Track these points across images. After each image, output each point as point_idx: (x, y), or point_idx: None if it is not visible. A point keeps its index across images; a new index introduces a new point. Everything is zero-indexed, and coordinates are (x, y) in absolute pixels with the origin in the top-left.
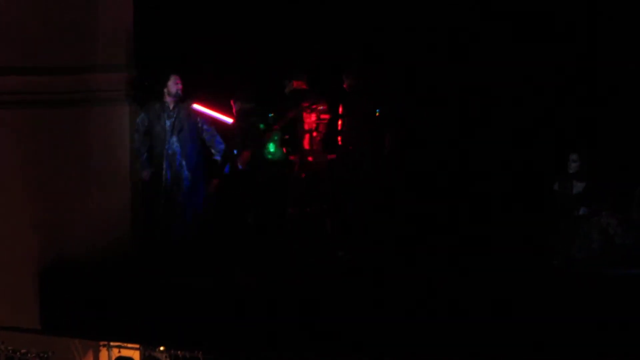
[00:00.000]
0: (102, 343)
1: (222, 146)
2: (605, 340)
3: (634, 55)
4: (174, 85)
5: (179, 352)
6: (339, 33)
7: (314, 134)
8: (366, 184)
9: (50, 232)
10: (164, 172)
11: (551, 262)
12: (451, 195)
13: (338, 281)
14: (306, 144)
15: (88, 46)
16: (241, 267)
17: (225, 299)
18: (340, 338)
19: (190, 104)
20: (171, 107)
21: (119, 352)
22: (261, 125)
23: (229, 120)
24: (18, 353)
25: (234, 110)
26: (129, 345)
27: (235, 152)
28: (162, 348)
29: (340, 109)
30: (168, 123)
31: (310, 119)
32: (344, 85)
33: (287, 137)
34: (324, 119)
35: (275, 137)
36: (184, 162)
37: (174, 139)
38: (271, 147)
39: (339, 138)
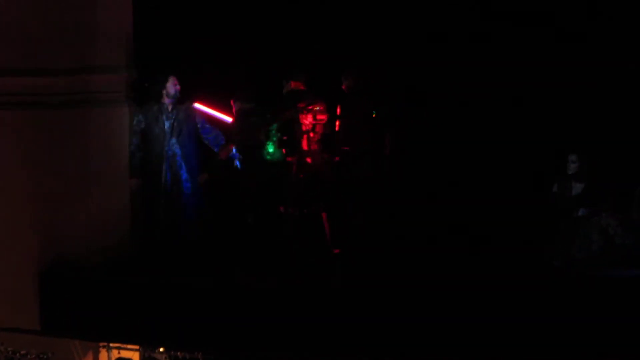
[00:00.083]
0: (101, 344)
1: (224, 143)
2: (606, 340)
3: (633, 55)
4: (172, 86)
5: (178, 353)
6: (339, 33)
7: (311, 134)
8: (366, 184)
9: (49, 233)
10: (163, 173)
11: (551, 262)
12: (450, 196)
13: (338, 281)
14: (304, 145)
15: (88, 47)
16: (241, 267)
17: (225, 300)
18: (340, 338)
19: (189, 105)
20: (170, 108)
21: (119, 353)
22: (262, 127)
23: (229, 119)
24: (18, 354)
25: (233, 110)
26: (129, 346)
27: (234, 151)
28: (161, 349)
29: (339, 110)
30: (167, 125)
31: (306, 120)
32: (343, 87)
33: (285, 138)
34: (320, 120)
35: (274, 138)
36: (183, 164)
37: (174, 140)
38: (270, 148)
39: (338, 139)
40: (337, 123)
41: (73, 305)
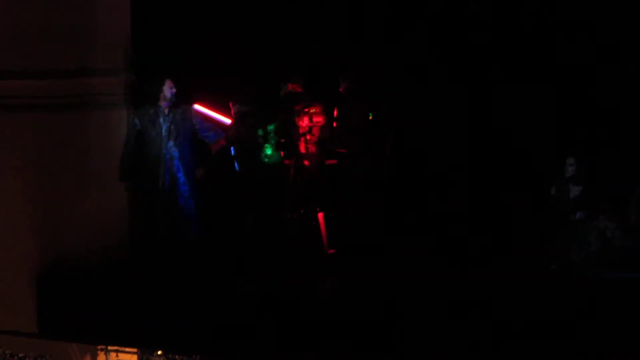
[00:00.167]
0: (99, 347)
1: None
2: (604, 344)
3: (633, 55)
4: (168, 89)
5: (176, 356)
6: (338, 35)
7: (308, 137)
8: (363, 186)
9: (48, 235)
10: (161, 176)
11: (549, 265)
12: (449, 198)
13: (337, 282)
14: (301, 148)
15: (87, 50)
16: (239, 273)
17: (224, 302)
18: (340, 338)
19: (186, 108)
20: (166, 111)
21: (117, 356)
22: (259, 131)
23: (228, 121)
24: (16, 357)
25: (232, 112)
26: (127, 349)
27: (232, 152)
28: (159, 352)
29: (336, 112)
30: (164, 128)
31: (303, 123)
32: (340, 89)
33: (282, 140)
34: (317, 122)
35: (272, 141)
36: (181, 166)
37: (171, 143)
38: (268, 150)
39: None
40: (335, 126)
41: (71, 308)
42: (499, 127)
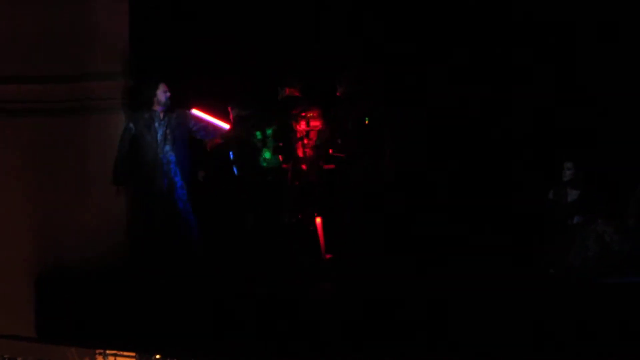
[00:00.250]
0: (98, 351)
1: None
2: (603, 347)
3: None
4: (162, 93)
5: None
6: (336, 37)
7: (305, 141)
8: (361, 190)
9: (47, 238)
10: (158, 180)
11: (548, 270)
12: (447, 201)
13: (337, 282)
14: (299, 152)
15: (85, 54)
16: (239, 275)
17: (223, 307)
18: (340, 340)
19: (181, 112)
20: (162, 116)
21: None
22: (258, 133)
23: (226, 126)
24: None
25: (231, 117)
26: (125, 353)
27: (231, 155)
28: (158, 356)
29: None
30: (160, 132)
31: (300, 127)
32: (337, 93)
33: (280, 144)
34: (314, 127)
35: (270, 144)
36: (178, 171)
37: (168, 147)
38: (266, 154)
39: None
40: (332, 130)
41: (69, 312)
42: (498, 128)
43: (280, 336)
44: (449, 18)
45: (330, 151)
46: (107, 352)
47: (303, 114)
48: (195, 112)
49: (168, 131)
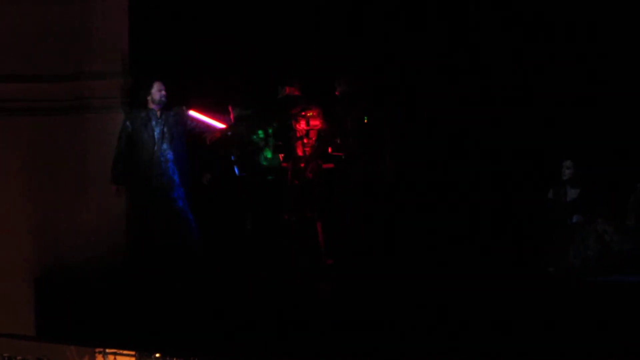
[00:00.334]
0: (97, 350)
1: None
2: (603, 348)
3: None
4: (157, 92)
5: (174, 358)
6: (336, 37)
7: (305, 140)
8: (360, 190)
9: (46, 238)
10: (156, 179)
11: (547, 269)
12: (446, 201)
13: (337, 282)
14: (298, 151)
15: (84, 53)
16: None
17: (222, 305)
18: (340, 339)
19: (178, 110)
20: (158, 114)
21: (115, 358)
22: (259, 132)
23: (222, 126)
24: None
25: (231, 117)
26: (125, 352)
27: (232, 157)
28: (157, 355)
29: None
30: (157, 131)
31: (300, 126)
32: (336, 92)
33: (280, 143)
34: (314, 126)
35: (271, 143)
36: (176, 169)
37: (165, 146)
38: (267, 154)
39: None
40: (331, 130)
41: (69, 310)
42: (498, 128)
43: (280, 336)
44: (449, 18)
45: (330, 150)
46: (107, 351)
47: (303, 114)
48: (192, 113)
49: (165, 129)
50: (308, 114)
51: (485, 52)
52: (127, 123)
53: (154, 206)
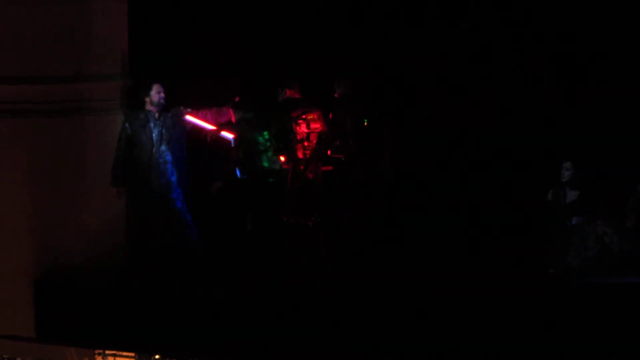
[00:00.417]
0: (97, 351)
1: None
2: (603, 348)
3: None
4: (156, 94)
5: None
6: (335, 38)
7: (305, 143)
8: (360, 192)
9: (46, 239)
10: (154, 180)
11: (547, 270)
12: (446, 202)
13: (337, 283)
14: (299, 154)
15: (83, 55)
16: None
17: (222, 306)
18: (340, 339)
19: (176, 112)
20: (157, 116)
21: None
22: (260, 138)
23: (213, 127)
24: None
25: (232, 119)
26: (124, 353)
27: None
28: (157, 356)
29: (331, 118)
30: (155, 132)
31: (301, 129)
32: (335, 95)
33: (281, 145)
34: (315, 129)
35: (272, 145)
36: (174, 170)
37: (164, 147)
38: (269, 156)
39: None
40: (330, 132)
41: (69, 312)
42: (498, 128)
43: (280, 336)
44: (449, 18)
45: (329, 152)
46: (106, 352)
47: (304, 117)
48: (189, 118)
49: (164, 131)
50: (309, 117)
51: (485, 52)
52: (126, 124)
53: (153, 207)
